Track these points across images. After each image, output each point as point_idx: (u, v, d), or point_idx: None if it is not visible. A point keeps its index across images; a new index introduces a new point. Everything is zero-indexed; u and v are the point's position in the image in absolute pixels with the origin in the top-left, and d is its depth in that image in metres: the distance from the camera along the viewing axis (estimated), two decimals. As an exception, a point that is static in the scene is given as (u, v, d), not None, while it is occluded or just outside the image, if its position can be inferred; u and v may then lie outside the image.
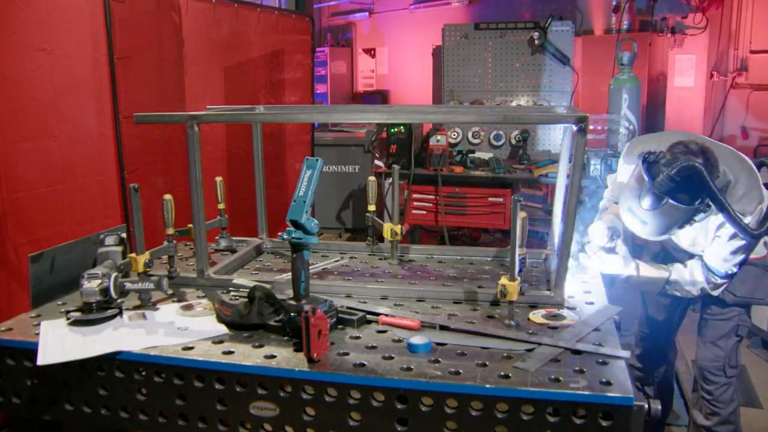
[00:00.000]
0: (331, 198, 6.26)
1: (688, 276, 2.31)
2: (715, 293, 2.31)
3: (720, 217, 2.07)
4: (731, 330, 2.37)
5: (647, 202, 2.00)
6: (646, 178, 1.98)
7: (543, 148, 5.31)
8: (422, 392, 1.36)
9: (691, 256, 2.36)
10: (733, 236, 2.15)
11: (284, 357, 1.49)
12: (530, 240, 2.84)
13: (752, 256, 2.28)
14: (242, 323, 1.65)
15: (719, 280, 2.26)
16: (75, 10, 2.82)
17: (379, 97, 8.39)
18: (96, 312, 1.69)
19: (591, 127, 4.91)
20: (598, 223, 2.34)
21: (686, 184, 1.93)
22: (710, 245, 2.24)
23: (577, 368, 1.41)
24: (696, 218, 2.04)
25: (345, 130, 6.42)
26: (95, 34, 2.92)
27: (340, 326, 1.66)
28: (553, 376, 1.36)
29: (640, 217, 2.05)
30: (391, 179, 3.14)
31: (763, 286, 2.32)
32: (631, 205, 2.06)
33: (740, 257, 2.21)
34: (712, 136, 6.29)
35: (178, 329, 1.66)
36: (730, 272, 2.23)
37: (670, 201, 1.97)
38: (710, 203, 1.97)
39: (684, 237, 2.30)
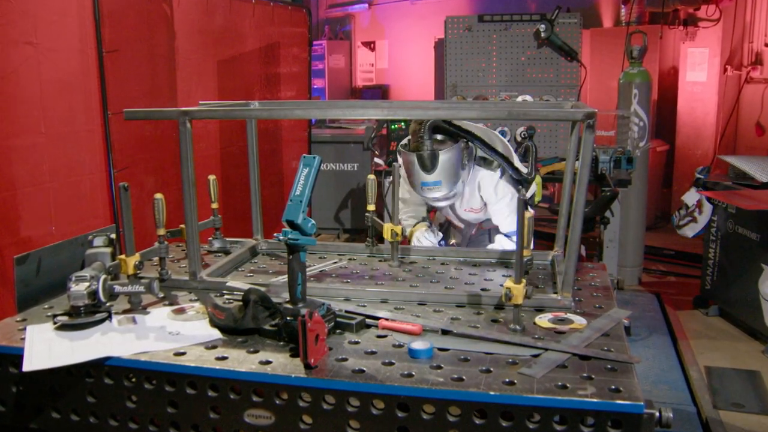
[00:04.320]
0: (329, 197, 6.26)
1: (499, 247, 2.74)
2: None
3: (480, 175, 2.64)
4: None
5: (428, 168, 2.44)
6: (412, 158, 2.46)
7: (549, 146, 5.31)
8: (424, 399, 1.36)
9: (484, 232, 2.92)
10: (507, 194, 2.66)
11: (280, 363, 1.49)
12: (536, 241, 2.86)
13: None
14: (236, 327, 1.65)
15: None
16: (62, 2, 2.83)
17: (379, 92, 8.40)
18: (84, 316, 1.69)
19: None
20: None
21: (437, 131, 2.46)
22: (494, 209, 2.73)
23: (585, 374, 1.41)
24: (467, 162, 2.54)
25: (343, 127, 6.42)
26: (83, 26, 2.93)
27: (338, 331, 1.66)
28: (560, 383, 1.36)
29: (432, 181, 2.48)
30: (391, 177, 3.15)
31: None
32: (417, 185, 2.52)
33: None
34: (726, 132, 6.31)
35: (170, 334, 1.66)
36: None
37: (440, 152, 2.43)
38: (470, 141, 2.50)
39: (459, 204, 2.79)
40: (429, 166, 2.45)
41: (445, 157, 2.45)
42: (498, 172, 2.67)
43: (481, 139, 2.50)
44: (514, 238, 2.58)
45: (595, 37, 6.69)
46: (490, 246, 2.85)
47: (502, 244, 2.78)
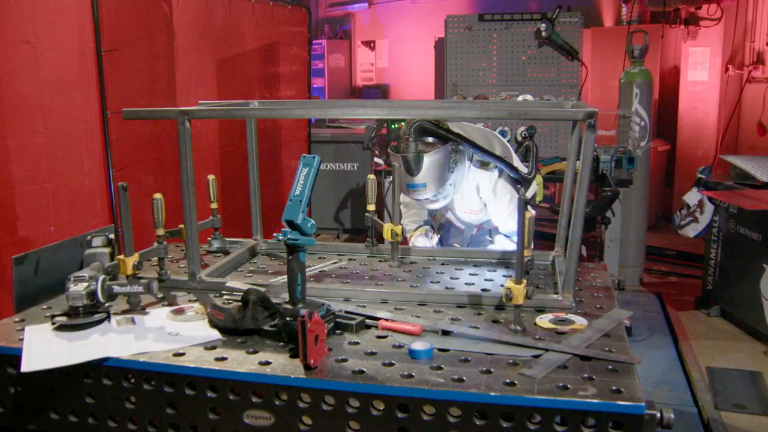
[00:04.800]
0: (329, 197, 6.26)
1: (499, 247, 2.74)
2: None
3: (478, 177, 2.63)
4: None
5: (412, 170, 2.40)
6: (399, 161, 2.41)
7: (550, 145, 5.31)
8: (424, 400, 1.36)
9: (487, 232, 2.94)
10: (506, 195, 2.65)
11: (280, 363, 1.49)
12: (537, 241, 2.86)
13: None
14: (236, 328, 1.65)
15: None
16: (61, 1, 2.83)
17: (379, 91, 8.40)
18: (83, 316, 1.69)
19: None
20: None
21: (424, 134, 2.40)
22: (494, 210, 2.72)
23: (586, 375, 1.41)
24: (455, 165, 2.50)
25: (343, 127, 6.42)
26: (82, 25, 2.93)
27: (338, 331, 1.66)
28: (560, 384, 1.36)
29: (417, 183, 2.44)
30: (391, 177, 3.15)
31: None
32: (403, 186, 2.49)
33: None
34: (727, 132, 6.31)
35: (169, 334, 1.66)
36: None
37: (425, 155, 2.39)
38: (458, 142, 2.44)
39: (458, 206, 2.78)
40: (413, 168, 2.42)
41: (429, 159, 2.41)
42: (496, 173, 2.67)
43: (471, 141, 2.47)
44: (514, 238, 2.60)
45: (596, 36, 6.69)
46: (491, 246, 2.85)
47: (502, 244, 2.77)
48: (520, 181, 2.58)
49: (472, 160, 2.65)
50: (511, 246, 2.68)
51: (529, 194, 2.77)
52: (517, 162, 2.75)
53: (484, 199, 2.72)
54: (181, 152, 1.92)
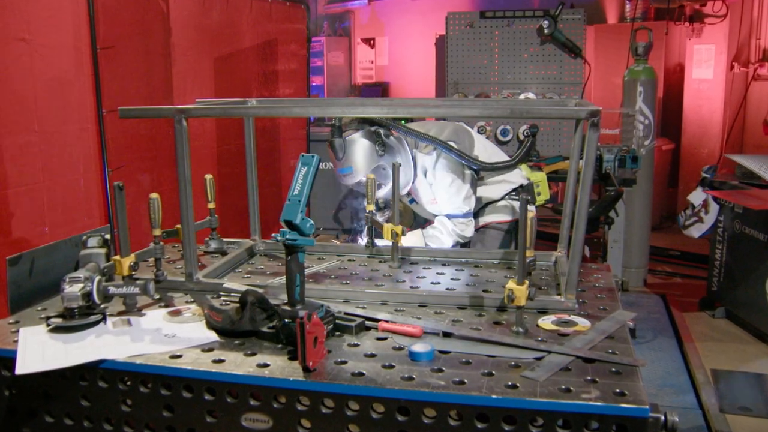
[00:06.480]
0: (328, 197, 6.25)
1: (437, 230, 2.81)
2: (468, 234, 2.82)
3: (422, 162, 2.75)
4: None
5: (337, 154, 2.66)
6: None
7: (553, 144, 5.31)
8: (424, 403, 1.36)
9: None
10: (445, 177, 2.73)
11: (278, 366, 1.49)
12: (539, 241, 2.86)
13: (496, 219, 2.94)
14: (233, 330, 1.65)
15: (461, 221, 2.80)
16: (56, -2, 2.83)
17: (379, 89, 8.40)
18: (78, 318, 1.69)
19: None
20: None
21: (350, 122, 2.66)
22: (438, 194, 2.78)
23: (589, 378, 1.41)
24: (384, 148, 2.65)
25: (343, 125, 6.40)
26: (77, 22, 2.93)
27: (337, 333, 1.67)
28: (563, 386, 1.36)
29: (345, 167, 2.67)
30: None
31: (504, 246, 2.90)
32: (338, 172, 2.75)
33: (464, 191, 2.76)
34: (732, 130, 6.31)
35: (166, 336, 1.66)
36: (464, 211, 2.79)
37: (347, 138, 2.63)
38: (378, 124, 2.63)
39: (423, 198, 2.87)
40: (338, 152, 2.66)
41: (351, 141, 2.64)
42: (434, 155, 2.78)
43: (390, 123, 2.66)
44: (455, 220, 2.78)
45: (600, 34, 6.69)
46: (430, 228, 2.88)
47: (443, 222, 2.82)
48: (474, 171, 2.77)
49: (417, 148, 2.78)
50: (443, 238, 2.79)
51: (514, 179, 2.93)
52: (482, 152, 2.83)
53: (429, 180, 2.81)
54: (178, 151, 1.92)
